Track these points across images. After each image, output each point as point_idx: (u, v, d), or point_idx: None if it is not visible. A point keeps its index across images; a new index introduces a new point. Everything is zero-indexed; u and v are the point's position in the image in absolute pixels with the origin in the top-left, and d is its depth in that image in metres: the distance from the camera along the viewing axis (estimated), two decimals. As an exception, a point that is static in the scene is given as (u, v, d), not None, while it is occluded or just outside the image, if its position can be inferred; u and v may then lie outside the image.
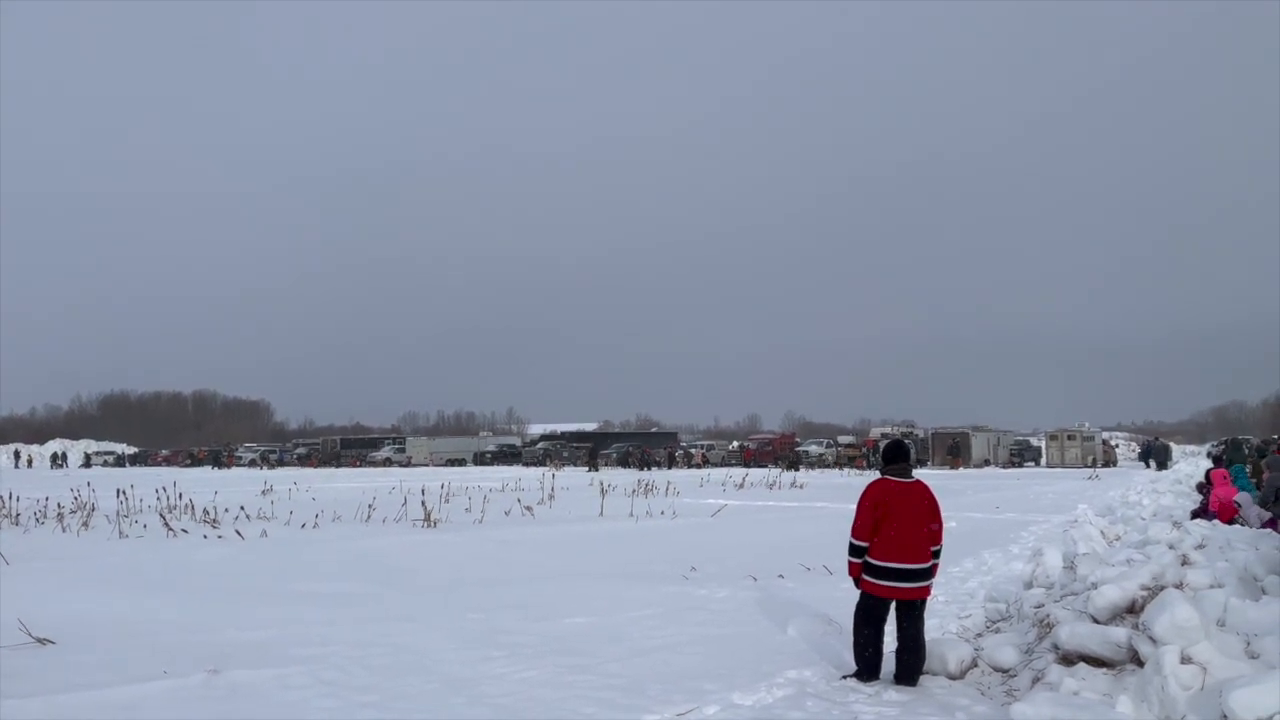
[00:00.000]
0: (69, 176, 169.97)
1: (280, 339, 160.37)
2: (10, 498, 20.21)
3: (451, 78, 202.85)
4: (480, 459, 60.93)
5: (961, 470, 46.78)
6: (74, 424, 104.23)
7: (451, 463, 55.40)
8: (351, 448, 75.21)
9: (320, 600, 9.53)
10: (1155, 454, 46.93)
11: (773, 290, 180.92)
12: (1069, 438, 52.02)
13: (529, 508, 20.12)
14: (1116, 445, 62.74)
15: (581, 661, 6.80)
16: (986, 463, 51.79)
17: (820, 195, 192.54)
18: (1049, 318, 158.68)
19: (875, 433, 61.53)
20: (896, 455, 6.66)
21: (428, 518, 17.34)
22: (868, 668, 6.39)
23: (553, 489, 25.53)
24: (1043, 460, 53.67)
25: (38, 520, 17.95)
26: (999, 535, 15.16)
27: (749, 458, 56.28)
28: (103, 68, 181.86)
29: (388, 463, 63.86)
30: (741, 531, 16.49)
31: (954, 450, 50.05)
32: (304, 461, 69.85)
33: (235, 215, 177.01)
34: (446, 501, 21.90)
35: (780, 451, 53.80)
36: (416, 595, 9.87)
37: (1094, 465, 47.70)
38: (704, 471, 46.99)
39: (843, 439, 61.48)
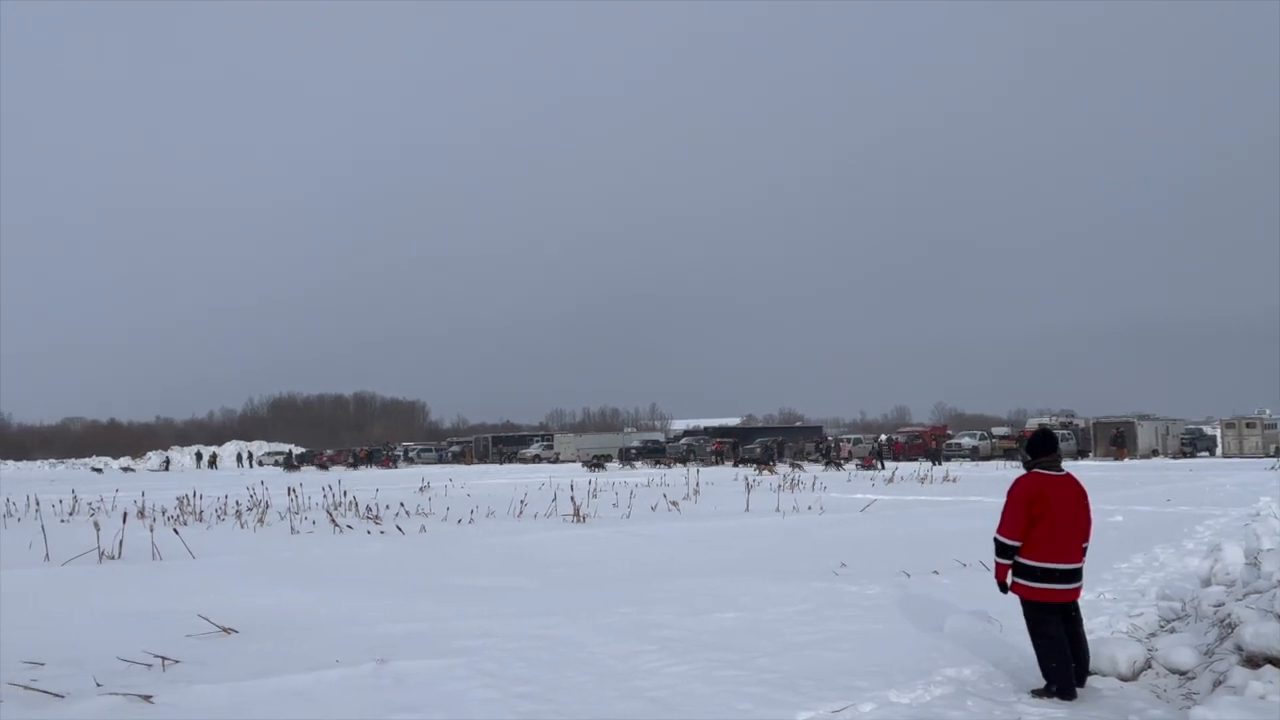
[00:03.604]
0: (205, 193, 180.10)
1: (434, 342, 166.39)
2: (194, 496, 21.76)
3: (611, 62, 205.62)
4: (625, 455, 61.61)
5: (1127, 461, 44.41)
6: (247, 426, 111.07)
7: (597, 458, 56.15)
8: (502, 444, 77.37)
9: (477, 594, 9.84)
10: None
11: (920, 280, 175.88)
12: (1248, 426, 48.69)
13: (675, 503, 20.23)
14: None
15: (733, 657, 6.80)
16: (1154, 453, 49.03)
17: (972, 180, 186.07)
18: (1220, 301, 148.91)
19: (1031, 423, 58.90)
20: (1046, 446, 6.19)
21: (577, 513, 17.67)
22: (1062, 681, 5.86)
23: (698, 484, 25.60)
24: (1218, 450, 50.37)
25: (219, 517, 19.19)
26: (1171, 529, 14.32)
27: (898, 451, 54.94)
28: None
29: (536, 459, 65.38)
30: (892, 527, 16.14)
31: (1118, 440, 47.57)
32: (458, 459, 72.36)
33: (386, 221, 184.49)
34: (594, 497, 22.26)
35: (931, 444, 52.26)
36: (568, 589, 10.06)
37: (1276, 455, 44.45)
38: (852, 465, 46.19)
39: (997, 430, 59.27)
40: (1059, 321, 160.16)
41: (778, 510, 18.92)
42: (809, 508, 19.54)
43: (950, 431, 62.86)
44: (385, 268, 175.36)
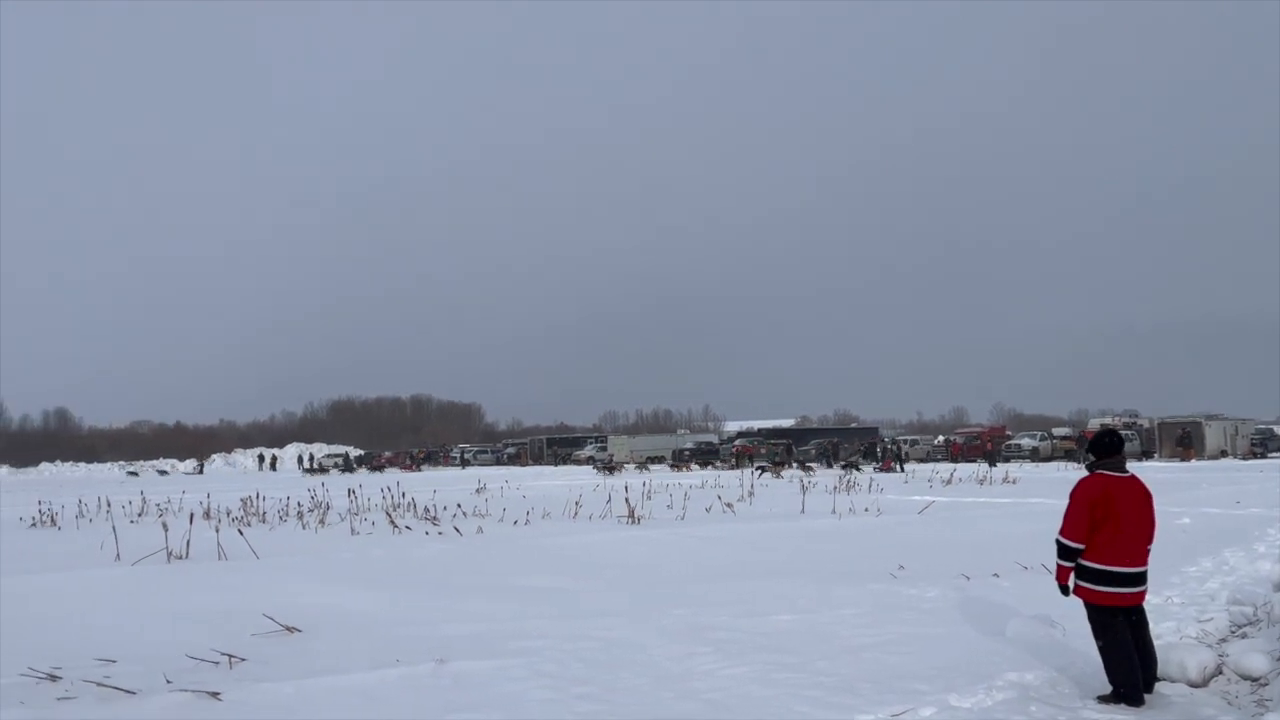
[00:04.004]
0: (265, 205, 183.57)
1: (489, 344, 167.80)
2: (258, 498, 22.21)
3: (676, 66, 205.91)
4: (678, 457, 61.59)
5: (1193, 462, 43.27)
6: (307, 428, 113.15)
7: (651, 460, 56.19)
8: (556, 446, 77.85)
9: (533, 595, 9.91)
10: None
11: (976, 279, 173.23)
12: (1322, 425, 47.17)
13: (729, 504, 20.18)
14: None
15: (790, 659, 6.77)
16: (1223, 453, 47.67)
17: (1025, 174, 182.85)
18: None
19: (1093, 424, 57.69)
20: (1111, 447, 6.05)
21: (631, 514, 17.71)
22: (1129, 686, 5.74)
23: (752, 486, 25.51)
24: (1291, 451, 48.90)
25: (281, 518, 19.56)
26: (1241, 532, 13.93)
27: (956, 452, 54.15)
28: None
29: (590, 461, 65.66)
30: (950, 529, 15.92)
31: (1184, 441, 46.34)
32: (513, 460, 72.98)
33: (440, 225, 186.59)
34: (649, 499, 22.28)
35: (989, 445, 51.38)
36: (624, 591, 10.09)
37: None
38: (909, 467, 45.65)
39: (1058, 431, 58.13)
40: (1121, 319, 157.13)
41: (834, 512, 18.78)
42: (865, 510, 19.36)
43: (1009, 432, 61.80)
44: (439, 271, 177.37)
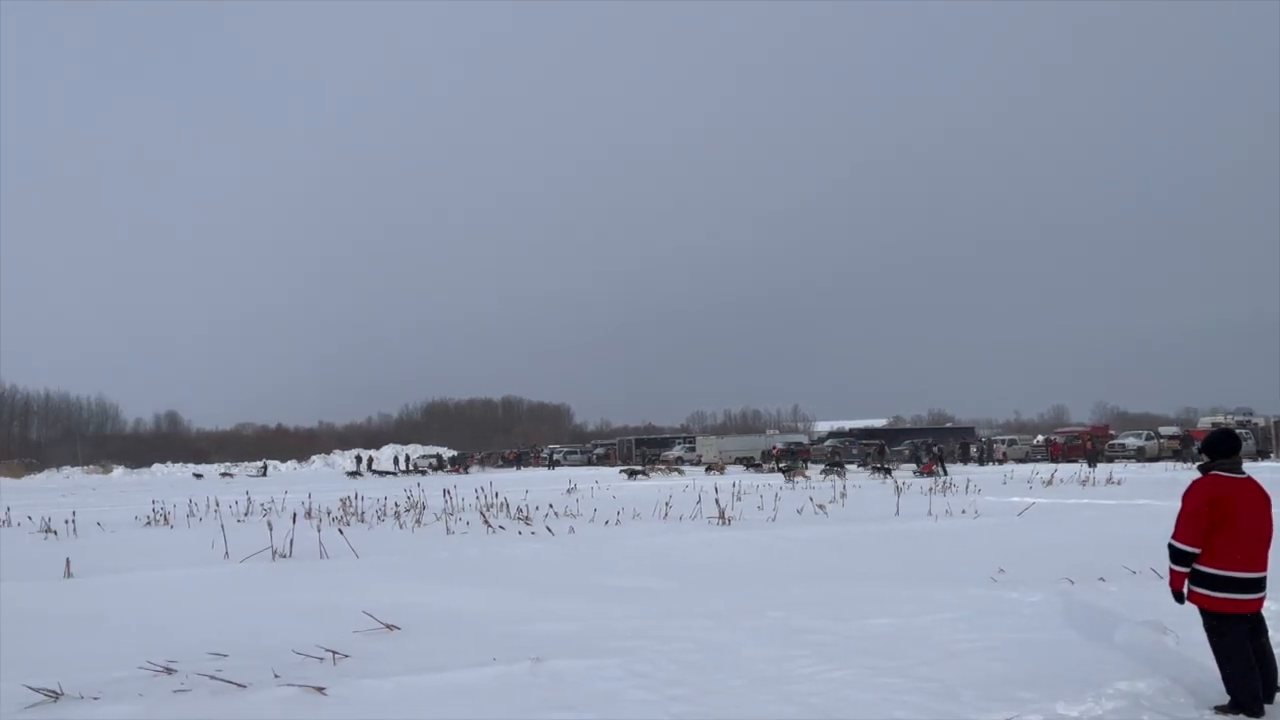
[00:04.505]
0: (365, 215, 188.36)
1: (578, 346, 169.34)
2: (356, 498, 22.82)
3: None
4: (767, 457, 61.13)
5: (1314, 462, 41.19)
6: (403, 430, 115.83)
7: (740, 461, 55.84)
8: (645, 446, 78.08)
9: (625, 595, 9.95)
10: None
11: (1075, 273, 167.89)
12: None
13: (821, 506, 19.95)
14: None
15: (889, 663, 6.64)
16: (1345, 453, 45.29)
17: (1147, 167, 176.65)
18: None
19: (1204, 422, 55.33)
20: (1228, 447, 5.76)
21: (722, 515, 17.64)
22: (1248, 697, 5.47)
23: (844, 487, 25.21)
24: None
25: (379, 518, 20.04)
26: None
27: (1056, 453, 52.55)
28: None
29: (679, 461, 65.66)
30: (1052, 531, 15.45)
31: (1303, 440, 44.17)
32: (602, 461, 73.48)
33: (529, 229, 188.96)
34: (739, 500, 22.17)
35: (1090, 445, 49.70)
36: (716, 592, 10.05)
37: None
38: (1006, 468, 44.48)
39: (1165, 430, 55.91)
40: (1231, 313, 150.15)
41: (929, 514, 18.41)
42: (962, 511, 18.92)
43: (1113, 431, 59.72)
44: (528, 275, 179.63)
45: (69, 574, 11.86)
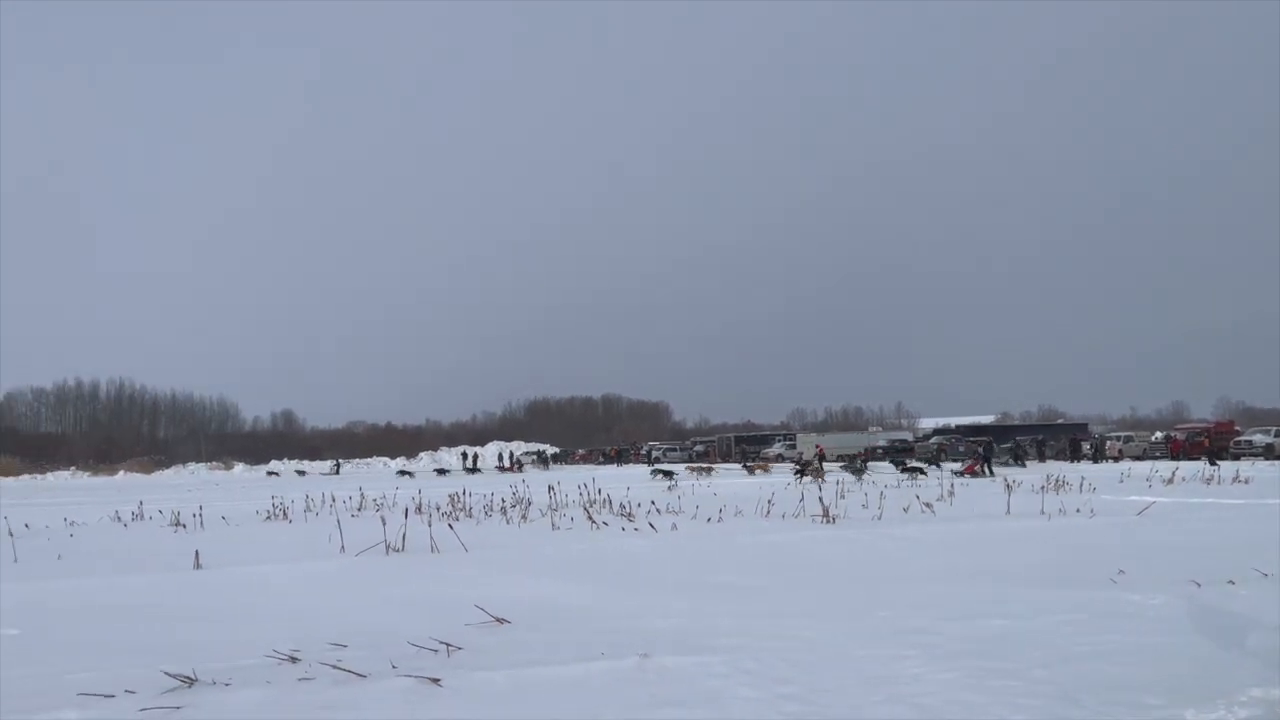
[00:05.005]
0: (464, 218, 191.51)
1: (676, 344, 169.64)
2: (464, 493, 23.36)
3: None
4: (871, 455, 60.12)
5: None
6: (506, 427, 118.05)
7: (841, 458, 54.98)
8: (745, 444, 77.77)
9: (730, 592, 9.94)
10: None
11: (1193, 262, 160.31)
12: None
13: (928, 504, 19.56)
14: None
15: (1003, 665, 6.48)
16: None
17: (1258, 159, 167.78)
18: None
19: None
20: None
21: (825, 513, 17.46)
22: None
23: (952, 485, 24.67)
24: None
25: (486, 513, 20.47)
26: None
27: (1176, 450, 50.38)
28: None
29: (780, 459, 65.20)
30: (1174, 532, 14.82)
31: None
32: (701, 458, 73.43)
33: (630, 227, 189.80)
34: (843, 497, 21.91)
35: (1207, 442, 47.46)
36: (821, 591, 9.96)
37: None
38: (1122, 465, 42.84)
39: (1297, 427, 53.03)
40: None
41: (1042, 513, 17.87)
42: (1077, 510, 18.31)
43: (1238, 428, 56.92)
44: (627, 273, 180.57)
45: (198, 565, 12.46)
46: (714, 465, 50.83)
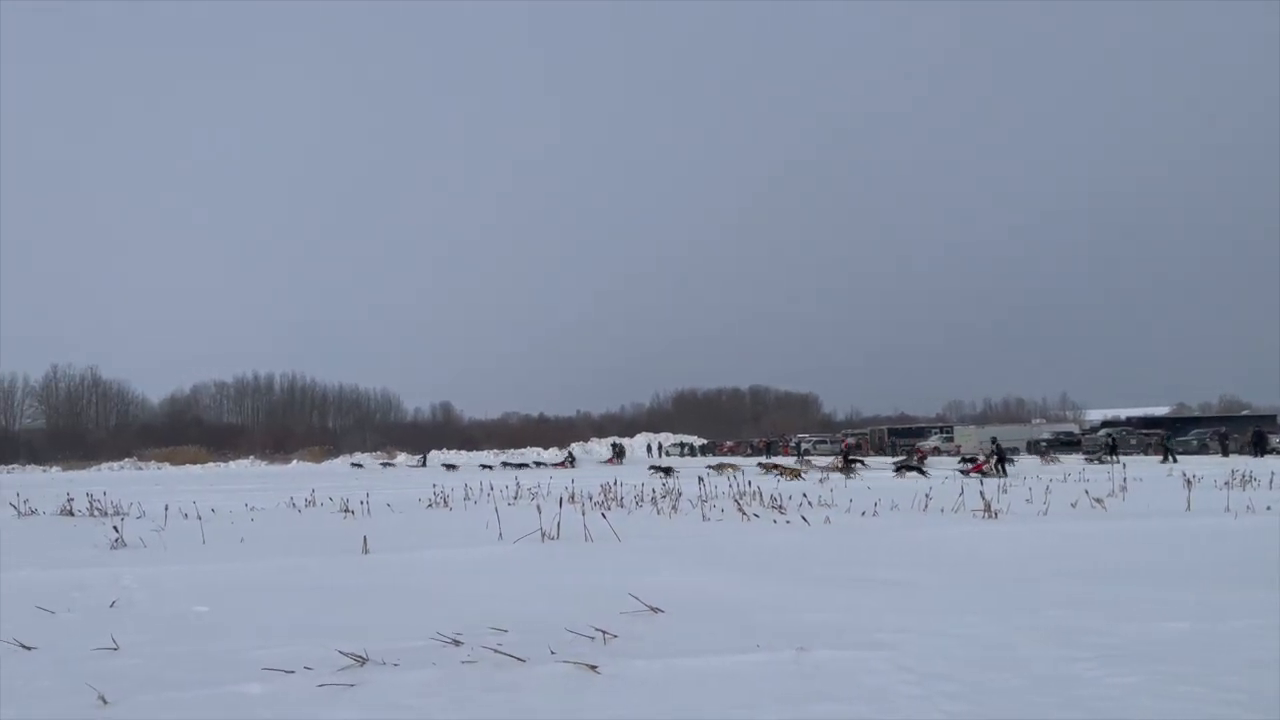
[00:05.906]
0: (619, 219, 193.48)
1: (825, 335, 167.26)
2: (616, 484, 23.69)
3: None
4: (1034, 448, 57.63)
5: None
6: (654, 419, 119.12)
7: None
8: (898, 436, 75.91)
9: (886, 587, 9.70)
10: None
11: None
12: None
13: (1098, 499, 18.60)
14: None
15: (1186, 670, 6.08)
16: None
17: None
18: None
19: None
20: None
21: (987, 508, 16.84)
22: None
23: (1124, 479, 23.39)
24: None
25: (637, 504, 20.69)
26: None
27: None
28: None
29: (936, 451, 63.32)
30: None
31: None
32: (854, 450, 72.11)
33: (771, 215, 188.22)
34: (1005, 492, 21.09)
35: None
36: (983, 587, 9.60)
37: None
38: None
39: None
40: None
41: (1227, 510, 16.71)
42: (1267, 508, 17.04)
43: None
44: (774, 260, 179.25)
45: (366, 550, 13.07)
46: (863, 459, 48.94)
